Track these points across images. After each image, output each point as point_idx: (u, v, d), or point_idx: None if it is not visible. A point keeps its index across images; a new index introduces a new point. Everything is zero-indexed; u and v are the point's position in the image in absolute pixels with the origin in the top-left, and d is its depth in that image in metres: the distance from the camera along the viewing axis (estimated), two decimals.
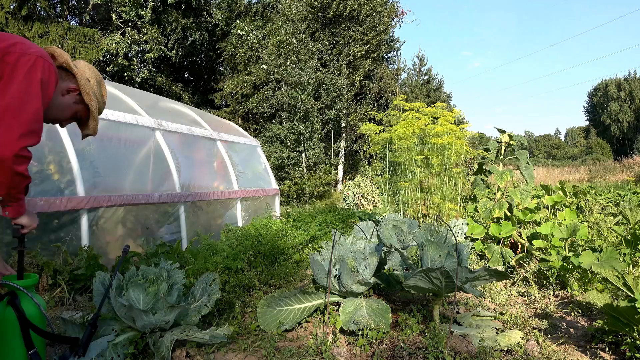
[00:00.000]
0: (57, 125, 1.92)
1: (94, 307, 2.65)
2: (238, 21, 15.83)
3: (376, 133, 7.91)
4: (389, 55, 19.37)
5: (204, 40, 16.88)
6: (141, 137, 4.63)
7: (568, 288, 3.50)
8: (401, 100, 7.91)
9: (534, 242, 3.97)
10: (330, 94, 13.86)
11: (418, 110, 7.34)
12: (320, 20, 15.02)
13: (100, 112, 1.89)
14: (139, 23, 14.07)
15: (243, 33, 15.27)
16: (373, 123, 8.73)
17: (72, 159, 3.57)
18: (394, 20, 16.45)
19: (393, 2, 16.39)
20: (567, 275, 3.54)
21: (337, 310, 2.76)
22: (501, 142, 4.63)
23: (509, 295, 3.49)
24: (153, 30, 14.12)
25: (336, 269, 2.86)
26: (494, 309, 3.17)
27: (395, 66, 19.58)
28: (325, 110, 14.01)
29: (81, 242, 3.51)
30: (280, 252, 4.28)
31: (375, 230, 3.74)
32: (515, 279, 3.82)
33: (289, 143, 13.82)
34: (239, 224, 5.75)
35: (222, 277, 3.18)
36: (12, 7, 11.89)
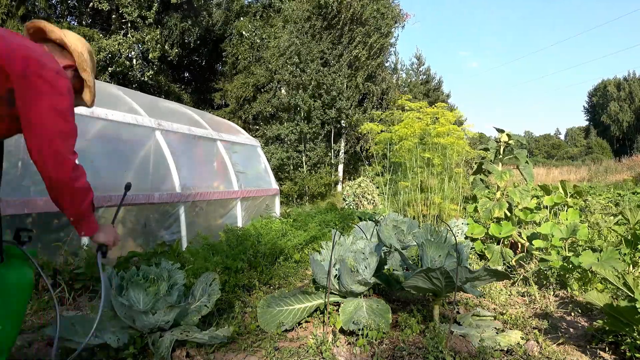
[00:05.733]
0: None
1: (94, 307, 2.65)
2: (241, 19, 15.79)
3: (377, 133, 7.91)
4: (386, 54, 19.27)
5: (203, 40, 16.88)
6: (141, 137, 4.63)
7: (568, 288, 3.50)
8: (406, 99, 7.91)
9: (534, 242, 3.97)
10: (330, 94, 13.82)
11: (419, 110, 7.33)
12: (322, 23, 14.97)
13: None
14: (141, 24, 14.05)
15: (247, 34, 15.24)
16: (374, 123, 8.71)
17: None
18: (397, 23, 16.41)
19: (395, 5, 16.35)
20: (567, 275, 3.54)
21: (337, 310, 2.75)
22: (500, 142, 4.62)
23: (509, 295, 3.48)
24: (151, 30, 14.10)
25: (336, 269, 2.86)
26: (494, 309, 3.17)
27: (392, 65, 19.52)
28: (326, 109, 13.97)
29: (81, 241, 3.51)
30: (280, 252, 4.28)
31: (375, 230, 3.74)
32: (515, 279, 3.82)
33: (289, 143, 13.79)
34: (239, 224, 5.74)
35: (222, 277, 3.17)
36: (13, 5, 11.84)
